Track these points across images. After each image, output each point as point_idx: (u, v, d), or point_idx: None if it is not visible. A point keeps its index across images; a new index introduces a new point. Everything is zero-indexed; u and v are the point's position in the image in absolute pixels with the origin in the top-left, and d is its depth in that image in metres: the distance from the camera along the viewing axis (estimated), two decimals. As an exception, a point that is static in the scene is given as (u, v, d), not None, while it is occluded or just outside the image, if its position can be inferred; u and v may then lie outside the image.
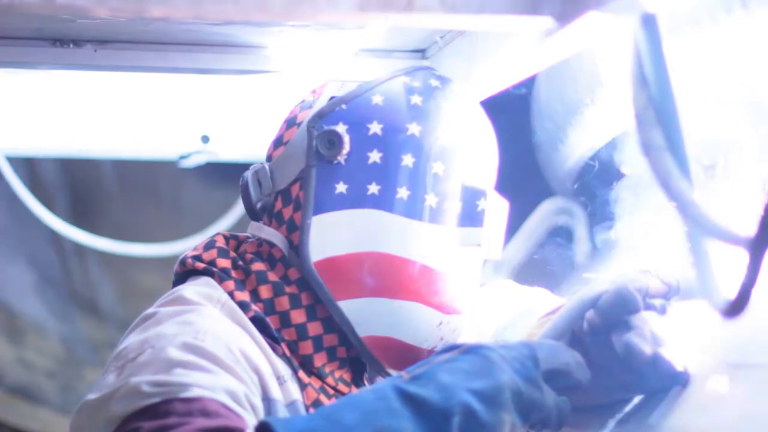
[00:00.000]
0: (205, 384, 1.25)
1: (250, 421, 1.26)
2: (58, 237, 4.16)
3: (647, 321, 1.32)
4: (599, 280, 1.38)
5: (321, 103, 1.49)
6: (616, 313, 1.33)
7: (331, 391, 1.46)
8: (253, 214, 1.52)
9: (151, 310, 1.41)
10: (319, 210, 1.44)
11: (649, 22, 1.15)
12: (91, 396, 1.31)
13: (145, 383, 1.25)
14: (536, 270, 2.01)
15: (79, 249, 4.33)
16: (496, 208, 1.52)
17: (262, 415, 1.33)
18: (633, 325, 1.32)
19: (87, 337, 4.76)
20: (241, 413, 1.25)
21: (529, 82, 2.23)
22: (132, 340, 1.35)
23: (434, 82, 1.50)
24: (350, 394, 1.27)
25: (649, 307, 1.34)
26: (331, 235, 1.44)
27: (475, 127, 1.52)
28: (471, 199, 1.48)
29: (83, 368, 4.67)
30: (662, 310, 1.34)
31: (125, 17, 1.68)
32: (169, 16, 1.15)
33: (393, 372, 1.49)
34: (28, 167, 4.29)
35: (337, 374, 1.48)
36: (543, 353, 1.26)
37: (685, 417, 1.24)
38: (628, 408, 1.36)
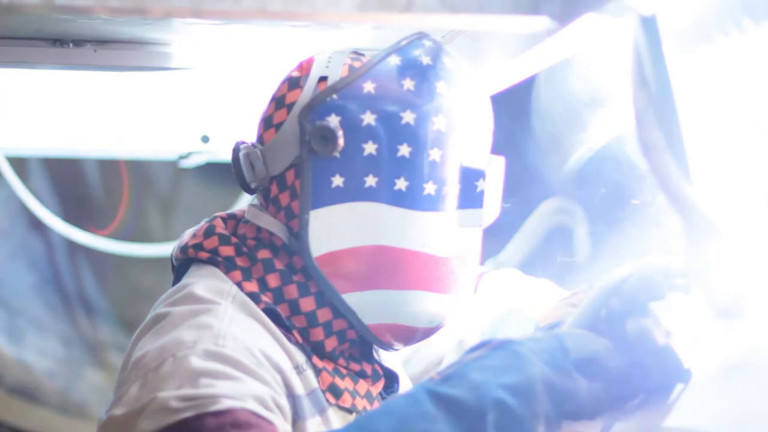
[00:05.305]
0: (233, 393, 1.25)
1: (280, 424, 1.26)
2: (58, 237, 4.16)
3: (663, 315, 1.32)
4: (622, 267, 1.36)
5: (310, 85, 1.45)
6: (640, 299, 1.31)
7: (344, 371, 1.46)
8: (247, 188, 1.49)
9: (162, 309, 1.39)
10: (316, 204, 1.42)
11: (648, 23, 1.15)
12: (117, 411, 1.29)
13: (174, 398, 1.24)
14: (536, 270, 2.01)
15: (79, 249, 4.33)
16: (493, 166, 1.48)
17: (289, 414, 1.33)
18: (650, 313, 1.31)
19: (87, 337, 4.76)
20: (270, 418, 1.26)
21: (529, 82, 2.23)
22: (149, 346, 1.33)
23: (425, 59, 1.44)
24: (384, 402, 1.27)
25: (673, 287, 1.33)
26: (330, 230, 1.42)
27: (470, 103, 1.46)
28: (470, 180, 1.45)
29: (83, 368, 4.67)
30: (686, 290, 1.33)
31: (125, 17, 1.68)
32: (169, 15, 1.16)
33: (399, 346, 1.50)
34: (25, 167, 4.29)
35: (347, 353, 1.48)
36: (572, 343, 1.25)
37: (685, 417, 1.24)
38: (628, 407, 1.36)
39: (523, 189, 2.30)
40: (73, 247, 4.38)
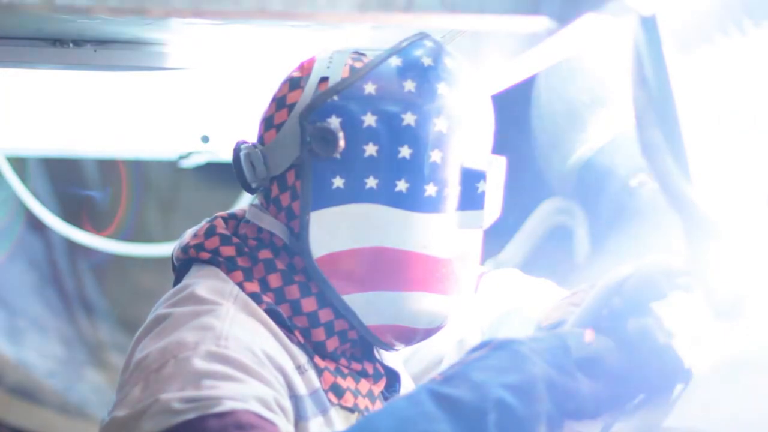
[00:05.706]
0: (235, 395, 1.25)
1: (282, 425, 1.26)
2: (58, 237, 4.16)
3: (664, 315, 1.32)
4: (623, 266, 1.36)
5: (311, 86, 1.44)
6: (641, 298, 1.31)
7: (346, 371, 1.46)
8: (248, 188, 1.49)
9: (163, 310, 1.39)
10: (317, 206, 1.42)
11: (648, 23, 1.15)
12: (119, 412, 1.29)
13: (176, 400, 1.24)
14: (536, 270, 2.01)
15: (79, 249, 4.33)
16: (494, 167, 1.48)
17: (291, 415, 1.33)
18: (651, 312, 1.31)
19: (87, 337, 4.76)
20: (273, 419, 1.26)
21: (529, 82, 2.23)
22: (151, 347, 1.33)
23: (426, 60, 1.43)
24: (385, 403, 1.27)
25: (674, 287, 1.33)
26: (331, 231, 1.42)
27: (471, 104, 1.46)
28: (471, 182, 1.44)
29: (83, 368, 4.67)
30: (688, 289, 1.33)
31: (125, 17, 1.68)
32: (169, 15, 1.16)
33: (400, 347, 1.50)
34: (25, 167, 4.29)
35: (348, 353, 1.48)
36: (573, 342, 1.25)
37: (685, 417, 1.24)
38: (629, 407, 1.36)
39: (523, 189, 2.31)
40: (73, 247, 4.38)
